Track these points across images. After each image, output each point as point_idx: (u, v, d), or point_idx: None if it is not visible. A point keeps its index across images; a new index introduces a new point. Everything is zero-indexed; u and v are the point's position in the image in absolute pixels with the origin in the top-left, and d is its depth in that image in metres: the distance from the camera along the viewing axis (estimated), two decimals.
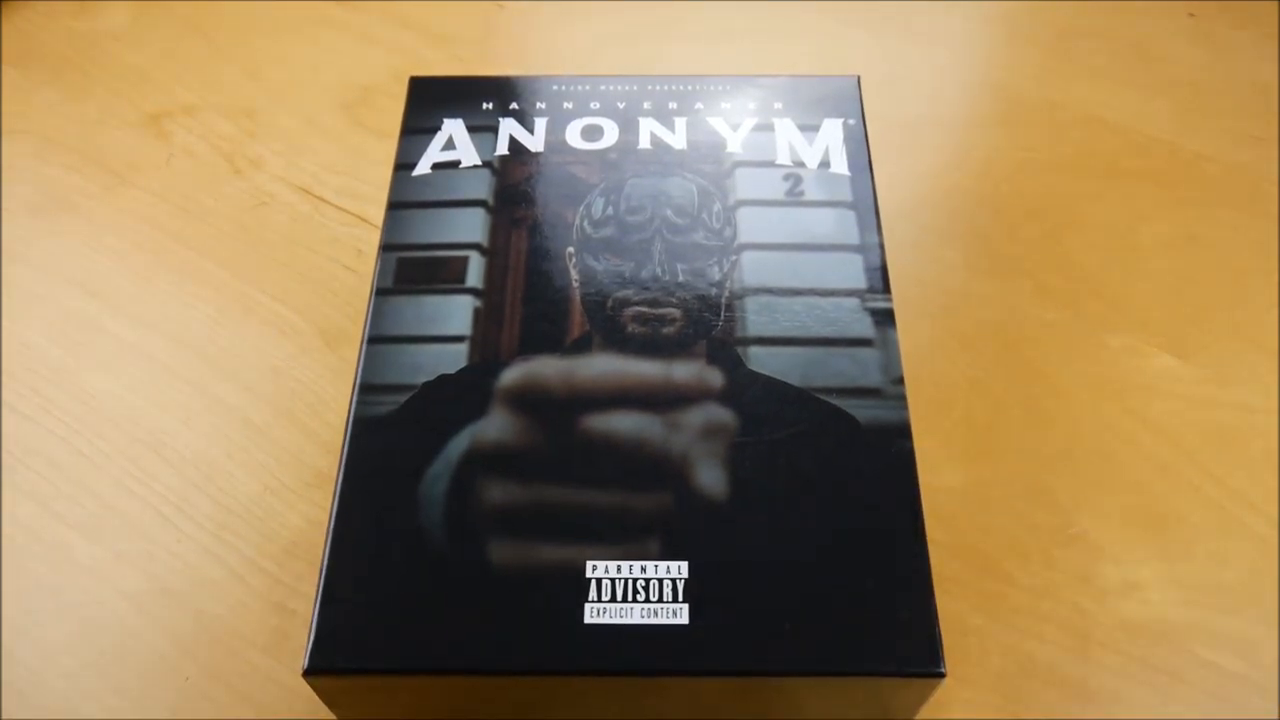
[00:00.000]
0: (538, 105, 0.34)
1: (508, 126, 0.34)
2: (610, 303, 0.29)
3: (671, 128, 0.34)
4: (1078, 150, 0.46)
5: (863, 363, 0.28)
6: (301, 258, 0.41)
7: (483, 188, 0.32)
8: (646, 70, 0.49)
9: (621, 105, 0.34)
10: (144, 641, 0.31)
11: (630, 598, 0.24)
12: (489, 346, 0.28)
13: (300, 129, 0.46)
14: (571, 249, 0.30)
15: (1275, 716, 0.30)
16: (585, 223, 0.31)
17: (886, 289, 0.30)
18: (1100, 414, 0.37)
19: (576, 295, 0.29)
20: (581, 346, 0.28)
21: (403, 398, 0.27)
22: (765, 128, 0.34)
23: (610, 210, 0.31)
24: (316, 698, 0.29)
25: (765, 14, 0.52)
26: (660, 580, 0.24)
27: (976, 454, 0.36)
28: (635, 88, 0.35)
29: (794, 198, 0.32)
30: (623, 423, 0.26)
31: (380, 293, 0.29)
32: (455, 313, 0.29)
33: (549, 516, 0.25)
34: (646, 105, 0.34)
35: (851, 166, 0.33)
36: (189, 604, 0.32)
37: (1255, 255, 0.42)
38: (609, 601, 0.24)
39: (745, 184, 0.32)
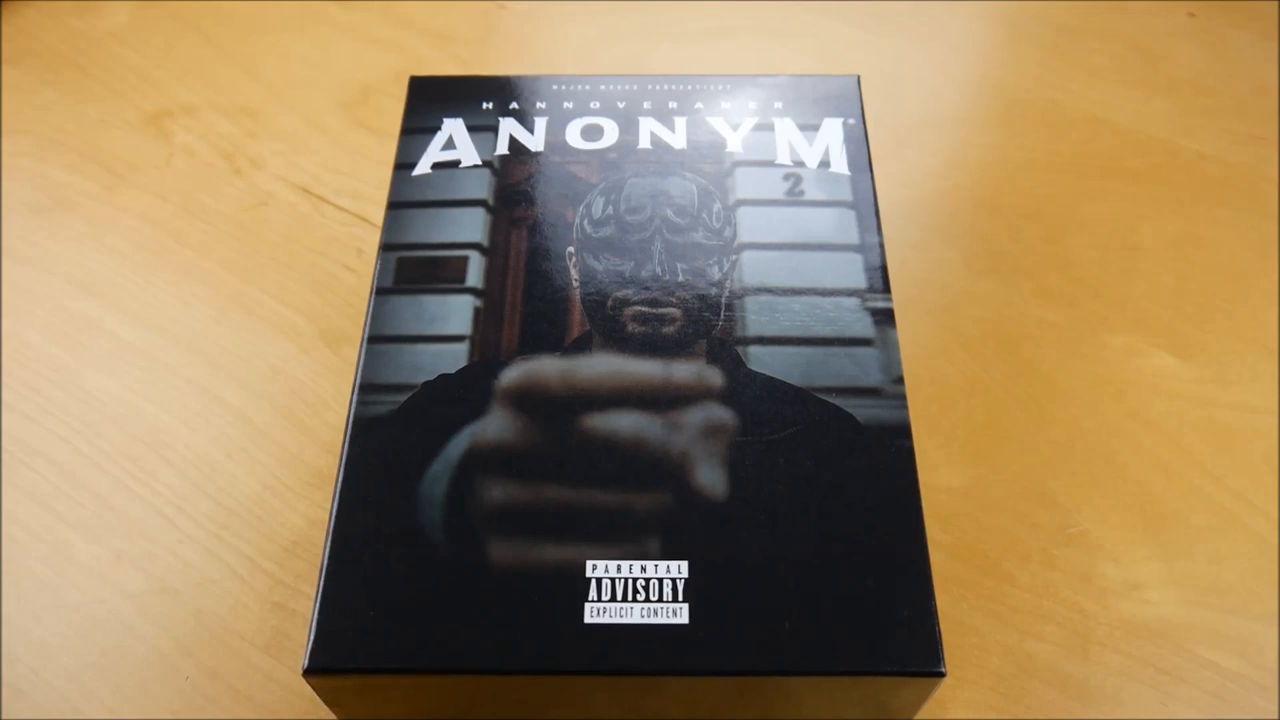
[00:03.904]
0: (538, 105, 0.34)
1: (508, 126, 0.34)
2: (610, 302, 0.29)
3: (671, 127, 0.34)
4: (1078, 150, 0.46)
5: (863, 363, 0.28)
6: (301, 258, 0.41)
7: (483, 187, 0.32)
8: (647, 70, 0.49)
9: (621, 105, 0.34)
10: (144, 641, 0.31)
11: (630, 597, 0.24)
12: (489, 346, 0.28)
13: (300, 129, 0.46)
14: (571, 248, 0.30)
15: (1275, 717, 0.30)
16: (585, 222, 0.31)
17: (886, 289, 0.30)
18: (1100, 414, 0.37)
19: (576, 295, 0.29)
20: (581, 346, 0.28)
21: (403, 398, 0.27)
22: (765, 127, 0.34)
23: (610, 210, 0.31)
24: (317, 698, 0.29)
25: (765, 14, 0.52)
26: (660, 580, 0.24)
27: (976, 454, 0.36)
28: (635, 87, 0.35)
29: (794, 197, 0.32)
30: (623, 422, 0.26)
31: (380, 292, 0.29)
32: (455, 312, 0.29)
33: (549, 516, 0.25)
34: (646, 105, 0.34)
35: (851, 166, 0.33)
36: (189, 604, 0.32)
37: (1255, 255, 0.42)
38: (609, 601, 0.24)
39: (745, 183, 0.32)
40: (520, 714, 0.26)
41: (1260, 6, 0.52)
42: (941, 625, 0.29)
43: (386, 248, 0.30)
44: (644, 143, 0.33)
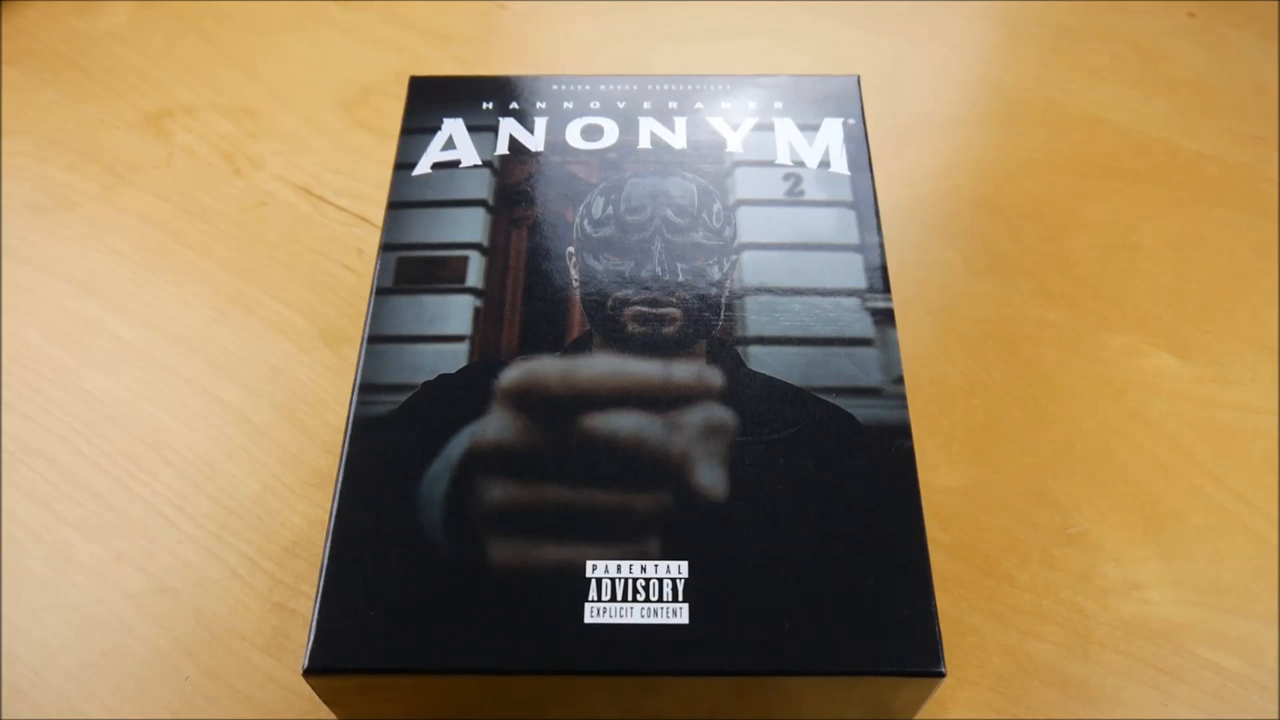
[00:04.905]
0: (538, 105, 0.34)
1: (508, 126, 0.34)
2: (610, 302, 0.29)
3: (671, 127, 0.34)
4: (1078, 150, 0.46)
5: (863, 362, 0.28)
6: (301, 258, 0.41)
7: (483, 187, 0.32)
8: (647, 70, 0.49)
9: (621, 105, 0.34)
10: (144, 641, 0.31)
11: (630, 597, 0.24)
12: (489, 346, 0.28)
13: (300, 129, 0.46)
14: (571, 248, 0.30)
15: (1275, 717, 0.30)
16: (585, 222, 0.31)
17: (886, 289, 0.30)
18: (1100, 414, 0.37)
19: (576, 295, 0.29)
20: (581, 346, 0.28)
21: (403, 398, 0.27)
22: (765, 127, 0.34)
23: (610, 210, 0.31)
24: (316, 698, 0.29)
25: (765, 14, 0.52)
26: (660, 580, 0.24)
27: (976, 454, 0.36)
28: (635, 87, 0.35)
29: (794, 197, 0.32)
30: (623, 422, 0.26)
31: (380, 292, 0.29)
32: (455, 312, 0.29)
33: (549, 516, 0.25)
34: (646, 105, 0.34)
35: (851, 166, 0.33)
36: (189, 604, 0.32)
37: (1255, 255, 0.42)
38: (609, 601, 0.24)
39: (745, 183, 0.32)
40: (520, 714, 0.26)
41: (1260, 6, 0.52)
42: (941, 625, 0.29)
43: (386, 248, 0.30)
44: (644, 143, 0.33)
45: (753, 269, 0.30)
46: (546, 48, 0.51)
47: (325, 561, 0.25)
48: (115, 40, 0.50)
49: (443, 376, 0.27)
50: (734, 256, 0.30)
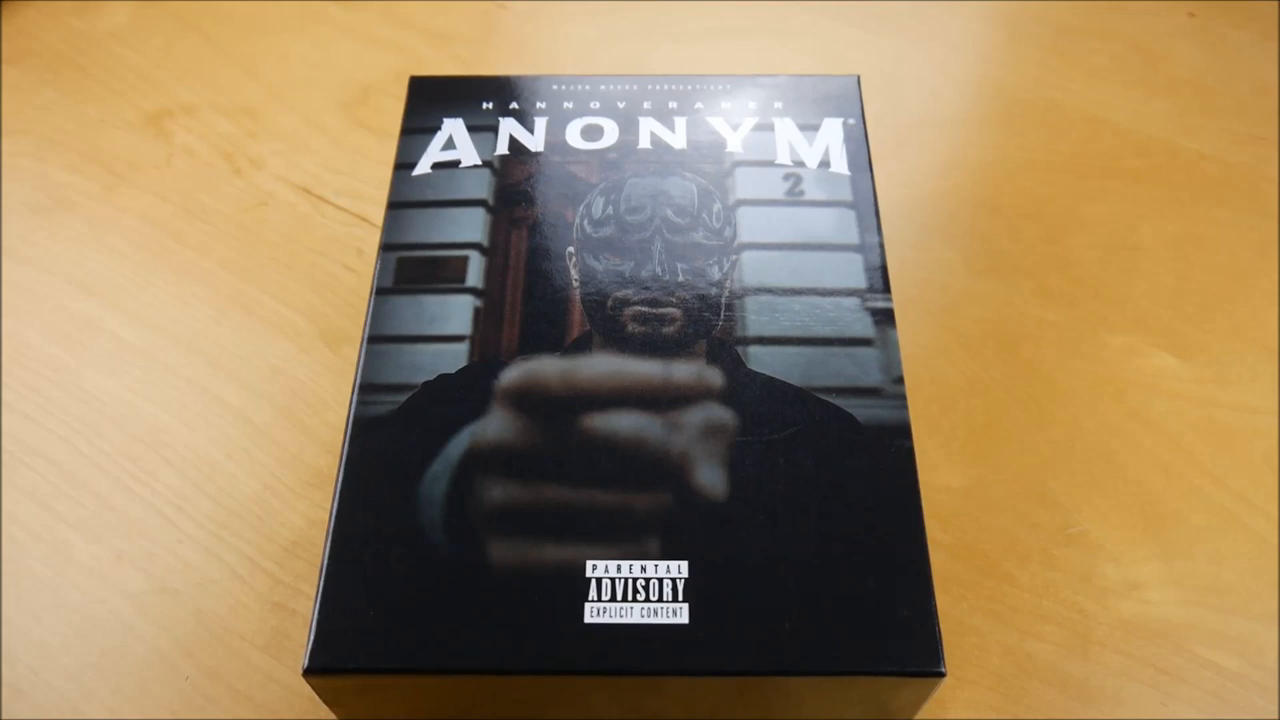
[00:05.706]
0: (538, 105, 0.34)
1: (508, 126, 0.34)
2: (610, 302, 0.29)
3: (671, 127, 0.34)
4: (1078, 150, 0.46)
5: (863, 362, 0.28)
6: (301, 258, 0.41)
7: (483, 187, 0.32)
8: (647, 70, 0.49)
9: (621, 105, 0.34)
10: (144, 641, 0.31)
11: (630, 597, 0.24)
12: (489, 346, 0.28)
13: (300, 129, 0.46)
14: (571, 248, 0.30)
15: (1275, 717, 0.30)
16: (585, 222, 0.31)
17: (886, 289, 0.30)
18: (1100, 414, 0.37)
19: (576, 295, 0.29)
20: (581, 346, 0.28)
21: (403, 398, 0.27)
22: (765, 127, 0.34)
23: (610, 210, 0.31)
24: (316, 698, 0.29)
25: (765, 14, 0.52)
26: (660, 580, 0.24)
27: (976, 454, 0.36)
28: (635, 87, 0.35)
29: (794, 197, 0.32)
30: (623, 422, 0.26)
31: (380, 292, 0.29)
32: (455, 312, 0.29)
33: (549, 516, 0.25)
34: (646, 105, 0.34)
35: (851, 166, 0.33)
36: (189, 604, 0.32)
37: (1255, 255, 0.42)
38: (609, 601, 0.24)
39: (745, 183, 0.32)
40: (520, 714, 0.26)
41: (1260, 6, 0.52)
42: (941, 625, 0.29)
43: (386, 248, 0.30)
44: (644, 143, 0.33)
45: (753, 269, 0.30)
46: (546, 48, 0.51)
47: (325, 561, 0.25)
48: (115, 40, 0.50)
49: (443, 376, 0.27)
50: (734, 256, 0.30)
